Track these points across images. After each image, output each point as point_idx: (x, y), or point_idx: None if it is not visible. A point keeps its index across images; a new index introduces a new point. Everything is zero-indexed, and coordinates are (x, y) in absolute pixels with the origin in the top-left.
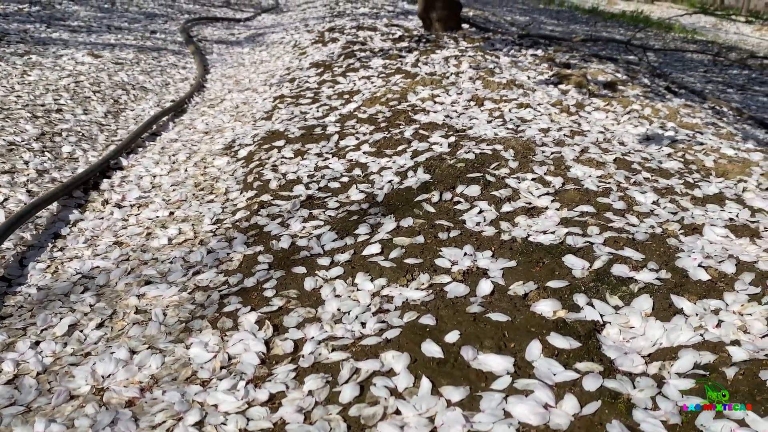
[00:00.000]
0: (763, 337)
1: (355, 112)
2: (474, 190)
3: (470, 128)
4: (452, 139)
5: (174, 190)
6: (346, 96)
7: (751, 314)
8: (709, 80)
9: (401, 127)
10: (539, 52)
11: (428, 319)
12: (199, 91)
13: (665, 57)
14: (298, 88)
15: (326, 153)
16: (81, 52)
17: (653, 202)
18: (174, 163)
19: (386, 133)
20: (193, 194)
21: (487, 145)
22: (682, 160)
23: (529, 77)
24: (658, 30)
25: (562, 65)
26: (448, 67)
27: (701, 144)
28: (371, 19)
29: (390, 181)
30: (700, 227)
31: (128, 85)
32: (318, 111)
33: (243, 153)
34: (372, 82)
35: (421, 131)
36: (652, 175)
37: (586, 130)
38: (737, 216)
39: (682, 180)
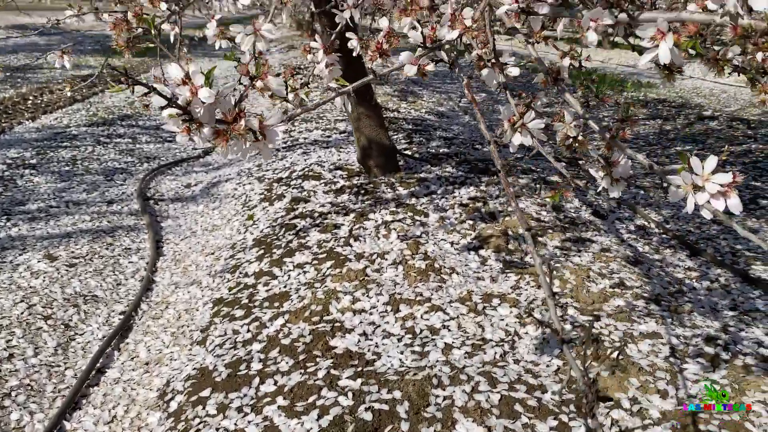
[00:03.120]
0: None
1: (279, 335)
2: None
3: (379, 357)
4: (358, 382)
5: None
6: (277, 303)
7: None
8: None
9: (317, 361)
10: (472, 192)
11: None
12: (148, 291)
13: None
14: (237, 285)
15: (246, 406)
16: (38, 254)
17: None
18: (113, 420)
19: (302, 372)
20: None
21: (387, 392)
22: (565, 378)
23: (452, 243)
24: (612, 89)
25: (489, 215)
26: (378, 240)
27: (593, 341)
28: (321, 150)
29: None
30: None
31: (80, 297)
32: (248, 332)
33: (174, 405)
34: (305, 274)
35: (332, 371)
36: (530, 419)
37: (488, 340)
38: None
39: (557, 420)
